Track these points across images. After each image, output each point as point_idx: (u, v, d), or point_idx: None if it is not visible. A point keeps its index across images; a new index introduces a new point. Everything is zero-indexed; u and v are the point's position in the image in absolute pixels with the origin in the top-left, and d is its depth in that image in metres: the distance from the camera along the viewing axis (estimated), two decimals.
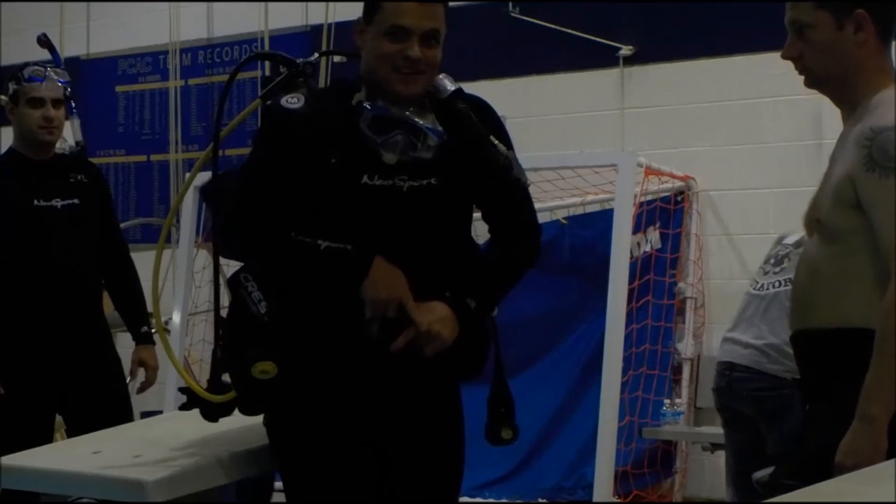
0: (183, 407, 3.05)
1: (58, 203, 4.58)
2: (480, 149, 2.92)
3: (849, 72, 2.81)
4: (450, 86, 2.95)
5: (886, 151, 2.67)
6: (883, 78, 2.81)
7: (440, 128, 2.89)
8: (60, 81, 4.68)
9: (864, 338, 2.69)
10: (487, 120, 2.99)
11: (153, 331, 4.94)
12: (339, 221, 2.86)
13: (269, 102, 2.97)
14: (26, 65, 4.73)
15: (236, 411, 3.04)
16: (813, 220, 2.88)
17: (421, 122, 2.87)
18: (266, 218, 2.88)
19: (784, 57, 2.87)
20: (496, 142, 2.93)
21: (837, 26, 2.78)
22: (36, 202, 4.54)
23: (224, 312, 3.05)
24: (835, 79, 2.83)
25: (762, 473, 2.94)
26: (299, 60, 2.99)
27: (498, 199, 3.03)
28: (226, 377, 3.01)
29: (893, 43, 2.88)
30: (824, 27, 2.79)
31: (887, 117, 2.71)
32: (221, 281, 3.12)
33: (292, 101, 2.88)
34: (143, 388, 4.87)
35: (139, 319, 4.81)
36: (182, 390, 3.09)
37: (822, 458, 2.66)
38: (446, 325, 2.88)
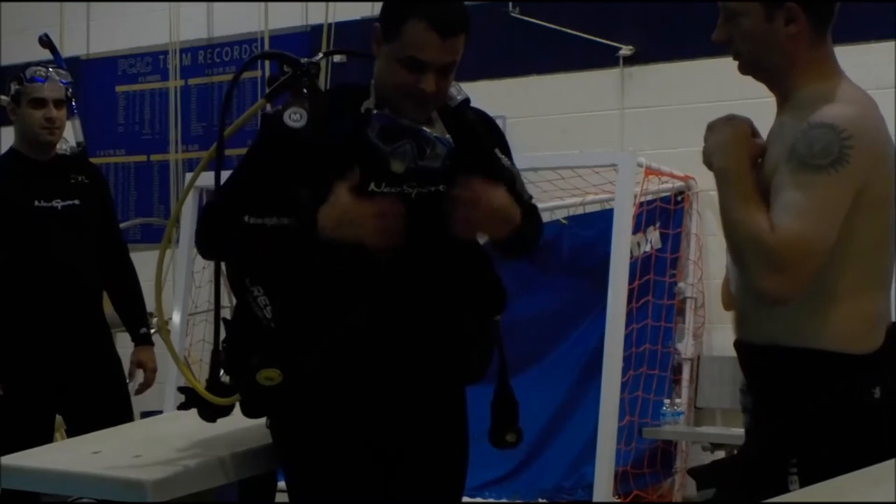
0: (181, 406, 3.04)
1: (58, 204, 4.58)
2: (487, 162, 2.91)
3: (780, 63, 2.66)
4: (458, 95, 2.92)
5: (811, 147, 2.51)
6: (817, 69, 2.65)
7: (448, 136, 2.87)
8: (62, 82, 4.68)
9: (792, 358, 2.57)
10: (492, 133, 2.99)
11: (153, 331, 4.95)
12: None
13: (270, 111, 2.91)
14: (28, 65, 4.74)
15: (236, 411, 3.04)
16: None
17: (429, 132, 2.84)
18: (227, 222, 2.85)
19: (714, 40, 2.74)
20: (501, 155, 2.93)
21: (767, 18, 2.63)
22: (36, 203, 4.55)
23: (225, 312, 3.05)
24: (765, 68, 2.70)
25: (704, 494, 2.86)
26: (304, 60, 2.97)
27: None
28: (224, 378, 3.01)
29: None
30: (753, 17, 2.65)
31: (826, 113, 2.55)
32: (221, 281, 3.12)
33: (294, 117, 2.82)
34: (141, 390, 4.88)
35: (138, 321, 4.81)
36: (181, 389, 3.08)
37: (758, 480, 2.57)
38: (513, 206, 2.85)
